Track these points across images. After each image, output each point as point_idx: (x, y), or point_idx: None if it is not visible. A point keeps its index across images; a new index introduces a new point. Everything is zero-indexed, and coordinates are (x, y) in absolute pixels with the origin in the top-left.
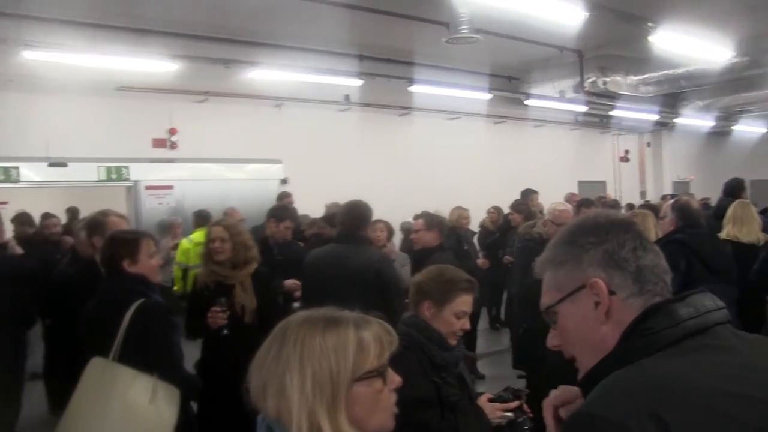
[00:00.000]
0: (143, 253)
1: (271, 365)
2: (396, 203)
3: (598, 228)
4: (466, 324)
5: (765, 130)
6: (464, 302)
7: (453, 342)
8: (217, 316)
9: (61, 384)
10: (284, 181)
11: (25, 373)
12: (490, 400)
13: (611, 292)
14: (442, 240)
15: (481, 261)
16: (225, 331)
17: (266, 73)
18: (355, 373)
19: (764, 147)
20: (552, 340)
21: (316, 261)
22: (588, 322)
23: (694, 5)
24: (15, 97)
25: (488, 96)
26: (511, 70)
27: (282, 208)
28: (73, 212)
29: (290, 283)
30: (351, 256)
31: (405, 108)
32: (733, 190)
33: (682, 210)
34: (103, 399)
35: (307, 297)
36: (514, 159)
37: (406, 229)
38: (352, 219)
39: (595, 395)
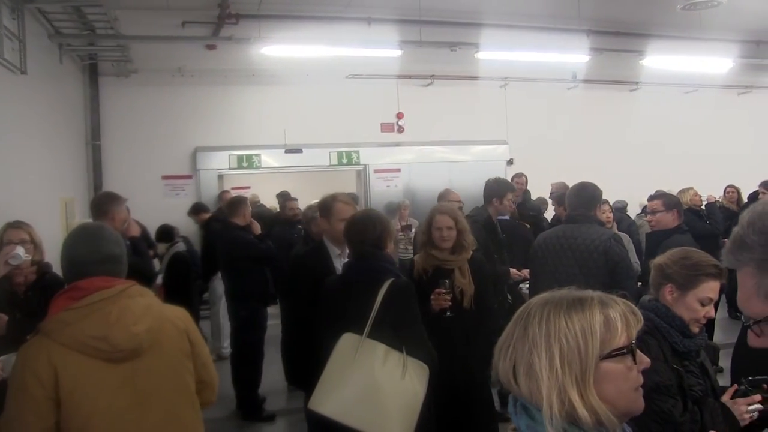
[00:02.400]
0: (390, 237)
1: (518, 346)
2: (626, 183)
3: None
4: (711, 311)
5: None
6: (711, 288)
7: (696, 330)
8: (441, 297)
9: (298, 358)
10: (510, 162)
11: (263, 344)
12: (732, 397)
13: None
14: (681, 221)
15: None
16: (448, 313)
17: (491, 54)
18: (603, 350)
19: None
20: (756, 342)
21: (545, 242)
22: None
23: None
24: (255, 90)
25: (730, 64)
26: (760, 33)
27: (496, 183)
28: (284, 196)
29: (515, 273)
30: (579, 236)
31: (635, 83)
32: None
33: None
34: (356, 373)
35: (536, 278)
36: (761, 133)
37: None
38: (581, 200)
39: None
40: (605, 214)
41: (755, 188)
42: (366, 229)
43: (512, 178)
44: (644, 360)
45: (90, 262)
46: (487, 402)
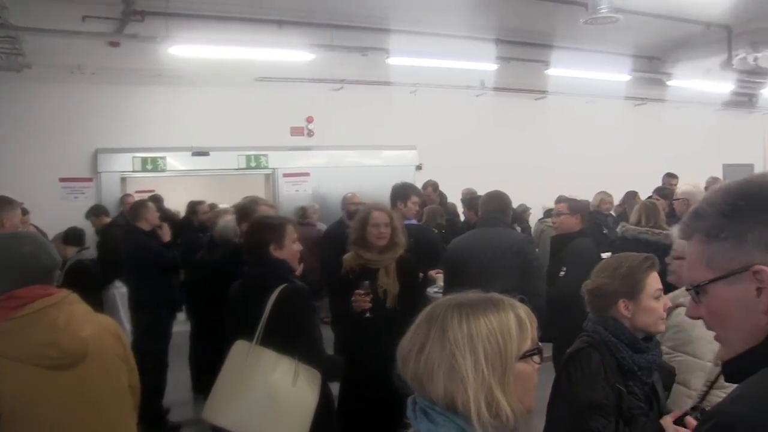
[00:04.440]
0: (288, 239)
1: (435, 348)
2: (532, 189)
3: (767, 199)
4: (667, 301)
5: None
6: (655, 280)
7: (662, 327)
8: (361, 299)
9: (204, 365)
10: (419, 167)
11: (168, 353)
12: (677, 420)
13: None
14: (584, 226)
15: None
16: (368, 314)
17: (402, 60)
18: (519, 350)
19: None
20: (694, 311)
21: (460, 245)
22: (745, 309)
23: None
24: (161, 91)
25: (627, 77)
26: (653, 49)
27: (402, 187)
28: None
29: (433, 273)
30: (494, 238)
31: (541, 92)
32: None
33: None
34: (248, 381)
35: (450, 281)
36: (655, 142)
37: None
38: (495, 204)
39: (740, 393)
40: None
41: (650, 194)
42: (256, 235)
43: (423, 185)
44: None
45: (32, 270)
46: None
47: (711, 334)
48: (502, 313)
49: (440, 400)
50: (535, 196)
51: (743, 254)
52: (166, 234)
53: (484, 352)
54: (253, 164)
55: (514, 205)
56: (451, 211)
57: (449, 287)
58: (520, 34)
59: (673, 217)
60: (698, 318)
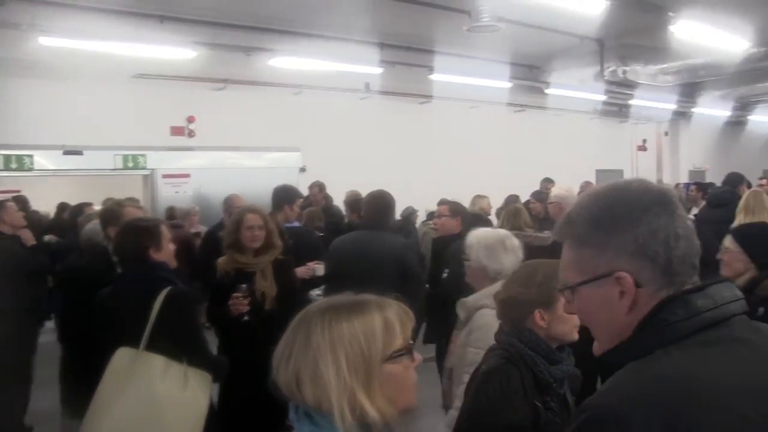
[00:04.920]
0: (165, 240)
1: (301, 354)
2: (417, 192)
3: (630, 208)
4: None
5: None
6: None
7: (576, 336)
8: (238, 302)
9: (73, 377)
10: (303, 170)
11: (33, 368)
12: None
13: (638, 284)
14: (464, 228)
15: None
16: (246, 318)
17: (286, 61)
18: (385, 352)
19: None
20: (567, 308)
21: (340, 248)
22: (610, 309)
23: None
24: (30, 84)
25: (508, 85)
26: (532, 58)
27: (289, 191)
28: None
29: (302, 270)
30: (374, 242)
31: (425, 96)
32: (731, 181)
33: None
34: (133, 389)
35: (330, 283)
36: (534, 148)
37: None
38: (377, 208)
39: (608, 387)
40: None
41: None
42: (132, 239)
43: (310, 186)
44: (417, 357)
45: None
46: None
47: None
48: (366, 316)
49: (311, 406)
50: (421, 198)
51: (607, 260)
52: (28, 238)
53: (346, 357)
54: (130, 164)
55: (402, 207)
56: (336, 213)
57: (329, 290)
58: (404, 39)
59: (547, 220)
60: (572, 314)
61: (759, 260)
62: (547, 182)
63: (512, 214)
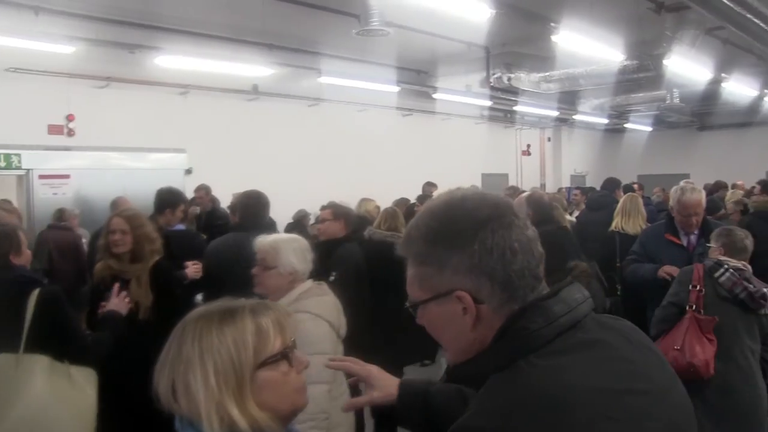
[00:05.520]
0: (24, 244)
1: (174, 365)
2: (306, 194)
3: (464, 226)
4: None
5: (651, 129)
6: None
7: None
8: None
9: None
10: (189, 171)
11: None
12: None
13: (478, 301)
14: (349, 231)
15: None
16: None
17: (172, 60)
18: (257, 359)
19: (651, 144)
20: (419, 321)
21: (215, 250)
22: (456, 326)
23: (592, 9)
24: None
25: (397, 88)
26: (420, 63)
27: (168, 193)
28: None
29: (192, 270)
30: (246, 244)
31: (314, 99)
32: (609, 185)
33: (536, 203)
34: (19, 394)
35: (208, 288)
36: (422, 151)
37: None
38: (249, 208)
39: (480, 406)
40: None
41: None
42: None
43: (196, 189)
44: (302, 360)
45: None
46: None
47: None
48: (238, 323)
49: (187, 417)
50: (312, 201)
51: (446, 279)
52: None
53: (215, 367)
54: (2, 164)
55: (294, 210)
56: (223, 215)
57: (207, 294)
58: (294, 41)
59: None
60: (424, 325)
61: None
62: (430, 186)
63: (390, 215)
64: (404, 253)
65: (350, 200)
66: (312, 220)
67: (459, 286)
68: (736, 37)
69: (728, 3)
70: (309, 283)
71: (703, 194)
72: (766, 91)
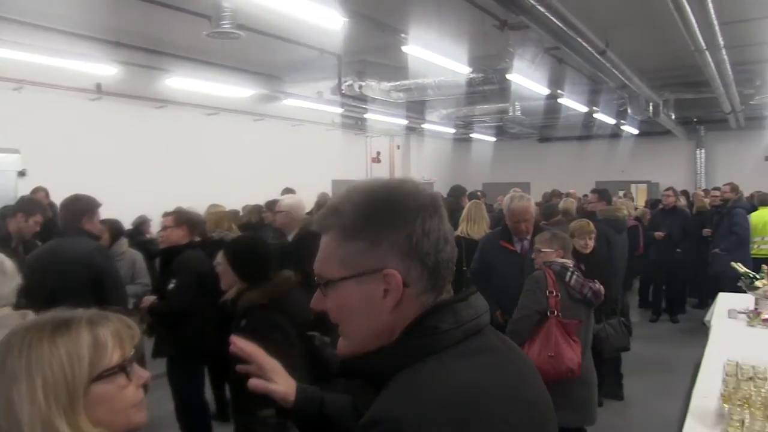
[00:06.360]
0: None
1: None
2: (152, 199)
3: (406, 206)
4: None
5: (495, 139)
6: None
7: None
8: None
9: None
10: (23, 173)
11: None
12: None
13: (405, 284)
14: (193, 237)
15: None
16: None
17: (5, 53)
18: (92, 372)
19: (495, 154)
20: (317, 304)
21: (36, 258)
22: (372, 308)
23: (441, 23)
24: None
25: (248, 93)
26: (272, 68)
27: (31, 201)
28: None
29: None
30: (64, 249)
31: (162, 101)
32: (455, 193)
33: None
34: None
35: (31, 299)
36: (273, 157)
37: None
38: (70, 212)
39: (398, 397)
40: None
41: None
42: None
43: (33, 191)
44: (142, 374)
45: None
46: None
47: None
48: (73, 334)
49: None
50: (158, 206)
51: (377, 257)
52: None
53: (44, 382)
54: None
55: (136, 215)
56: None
57: (30, 305)
58: (142, 40)
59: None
60: (320, 309)
61: (240, 273)
62: (288, 191)
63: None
64: (326, 226)
65: (199, 206)
66: (159, 227)
67: (390, 266)
68: (569, 57)
69: (562, 26)
70: (5, 311)
71: (532, 202)
72: (595, 108)
